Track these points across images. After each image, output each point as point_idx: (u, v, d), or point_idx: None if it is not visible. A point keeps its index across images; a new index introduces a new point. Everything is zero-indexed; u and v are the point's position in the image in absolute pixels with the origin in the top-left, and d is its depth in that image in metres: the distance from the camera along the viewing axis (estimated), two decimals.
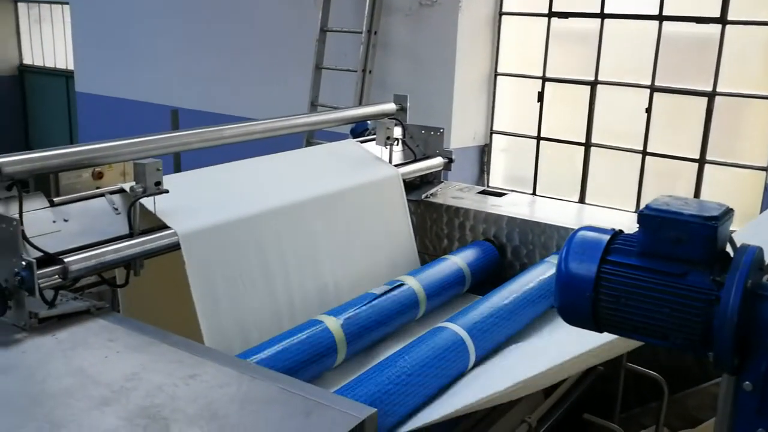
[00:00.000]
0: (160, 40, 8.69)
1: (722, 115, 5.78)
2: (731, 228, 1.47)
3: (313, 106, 6.90)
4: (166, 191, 2.60)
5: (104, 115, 9.35)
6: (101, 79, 9.46)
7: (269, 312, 2.92)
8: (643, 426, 3.29)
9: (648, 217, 1.39)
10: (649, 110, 6.02)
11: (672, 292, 1.36)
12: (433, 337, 2.72)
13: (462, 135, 6.59)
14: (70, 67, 10.41)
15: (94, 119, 9.61)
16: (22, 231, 2.21)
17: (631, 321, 1.40)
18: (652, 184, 6.14)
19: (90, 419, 1.78)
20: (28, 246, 2.27)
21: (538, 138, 6.69)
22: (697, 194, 5.93)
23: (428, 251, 3.96)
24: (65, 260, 2.32)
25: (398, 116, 4.08)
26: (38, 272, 2.17)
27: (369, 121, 4.26)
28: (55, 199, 2.57)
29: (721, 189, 5.85)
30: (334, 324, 2.77)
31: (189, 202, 2.82)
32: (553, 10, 6.41)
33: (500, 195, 4.11)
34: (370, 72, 6.67)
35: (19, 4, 11.43)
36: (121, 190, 2.73)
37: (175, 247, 2.65)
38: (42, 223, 2.43)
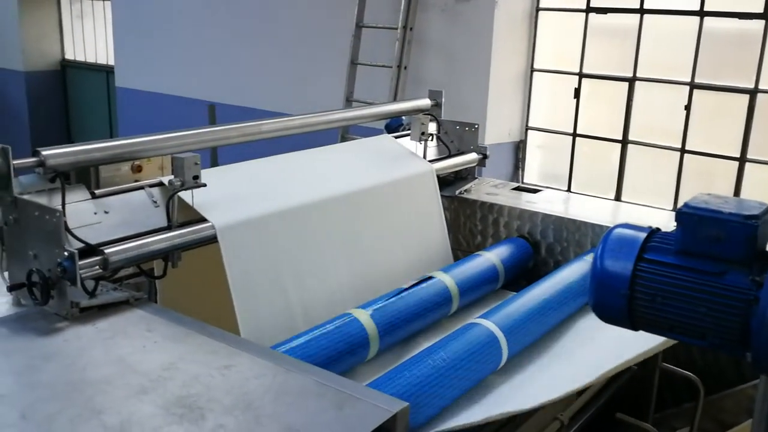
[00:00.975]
0: (198, 36, 8.79)
1: (764, 112, 5.67)
2: None
3: (348, 102, 6.92)
4: (204, 185, 2.64)
5: (143, 109, 9.50)
6: (140, 74, 9.61)
7: (304, 304, 2.95)
8: (678, 427, 3.25)
9: (686, 215, 1.38)
10: (688, 107, 5.93)
11: (710, 291, 1.34)
12: (466, 333, 2.72)
13: (497, 131, 6.56)
14: (111, 62, 10.58)
15: (133, 114, 9.76)
16: (65, 222, 2.26)
17: (667, 320, 1.39)
18: (690, 182, 6.05)
19: (128, 407, 1.82)
20: (70, 237, 2.32)
21: (574, 134, 6.63)
22: (737, 193, 5.83)
23: (462, 247, 3.96)
24: (106, 251, 2.37)
25: (433, 112, 4.08)
26: (80, 263, 2.22)
27: (404, 117, 4.26)
28: (97, 192, 2.63)
29: (762, 188, 5.74)
30: (366, 318, 2.79)
31: (226, 196, 2.85)
32: (591, 5, 6.34)
33: (535, 191, 4.08)
34: (405, 68, 6.67)
35: (62, 1, 11.66)
36: (160, 184, 2.78)
37: (213, 239, 2.69)
38: (84, 215, 2.49)
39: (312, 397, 1.91)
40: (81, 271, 2.24)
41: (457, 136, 4.14)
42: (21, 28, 11.32)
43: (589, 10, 6.36)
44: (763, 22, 5.51)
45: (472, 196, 3.96)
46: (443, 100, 4.14)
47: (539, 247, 3.74)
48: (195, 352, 2.10)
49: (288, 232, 2.96)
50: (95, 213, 2.53)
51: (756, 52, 5.58)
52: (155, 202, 2.72)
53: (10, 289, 2.35)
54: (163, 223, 2.66)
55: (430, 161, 3.84)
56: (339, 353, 2.62)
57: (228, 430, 1.74)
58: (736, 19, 5.66)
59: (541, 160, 7.01)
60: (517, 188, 4.14)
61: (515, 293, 3.16)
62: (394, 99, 6.51)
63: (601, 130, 6.51)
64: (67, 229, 2.31)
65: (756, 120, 5.67)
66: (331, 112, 3.70)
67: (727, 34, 5.78)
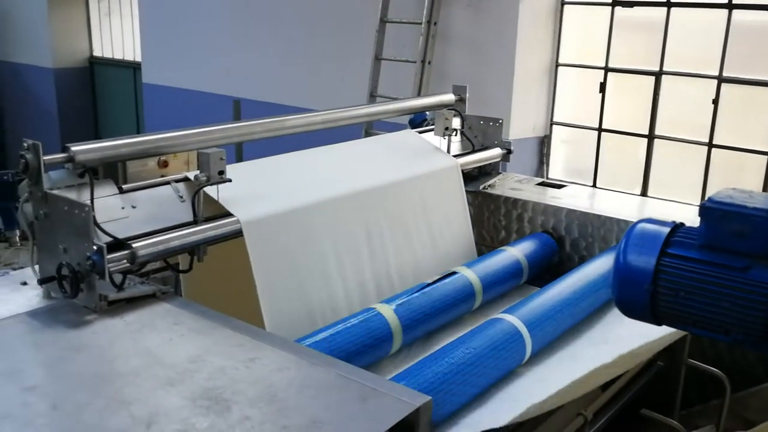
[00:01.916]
0: (224, 32, 8.85)
1: None
2: None
3: (373, 97, 6.93)
4: (229, 180, 2.67)
5: (169, 105, 9.58)
6: (167, 70, 9.69)
7: (328, 299, 2.97)
8: (703, 424, 3.23)
9: (710, 209, 1.37)
10: (716, 101, 5.85)
11: (733, 286, 1.33)
12: (490, 328, 2.72)
13: (522, 126, 6.53)
14: (138, 59, 10.69)
15: (160, 109, 9.85)
16: (94, 217, 2.30)
17: (690, 315, 1.38)
18: (718, 177, 5.97)
19: (156, 399, 1.85)
20: (98, 231, 2.36)
21: (600, 129, 6.57)
22: (765, 188, 5.74)
23: (485, 243, 3.96)
24: (133, 245, 2.41)
25: (457, 107, 4.08)
26: (108, 257, 2.26)
27: (427, 112, 4.26)
28: (124, 187, 2.67)
29: None
30: (390, 313, 2.80)
31: (251, 191, 2.88)
32: None
33: (559, 187, 4.07)
34: (429, 63, 6.66)
35: None
36: (186, 179, 2.81)
37: (238, 234, 2.72)
38: (112, 210, 2.53)
39: (335, 390, 1.93)
40: (109, 265, 2.28)
41: (481, 131, 4.13)
42: (50, 25, 11.47)
43: (615, 3, 6.30)
44: None
45: (496, 191, 3.95)
46: (467, 95, 4.13)
47: (564, 242, 3.72)
48: (220, 344, 2.13)
49: (313, 227, 2.98)
50: (123, 208, 2.58)
51: None
52: (181, 197, 2.76)
53: (41, 282, 2.40)
54: (189, 217, 2.69)
55: (454, 156, 3.84)
56: (362, 347, 2.64)
57: (253, 422, 1.76)
58: (765, 12, 5.57)
59: (566, 155, 6.96)
60: (541, 183, 4.13)
61: (539, 289, 3.15)
62: (418, 94, 6.51)
63: (626, 124, 6.45)
64: (96, 224, 2.34)
65: None
66: (355, 107, 3.71)
67: (756, 27, 5.69)
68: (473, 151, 4.05)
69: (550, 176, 6.79)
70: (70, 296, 2.32)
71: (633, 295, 1.43)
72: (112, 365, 2.02)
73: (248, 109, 7.55)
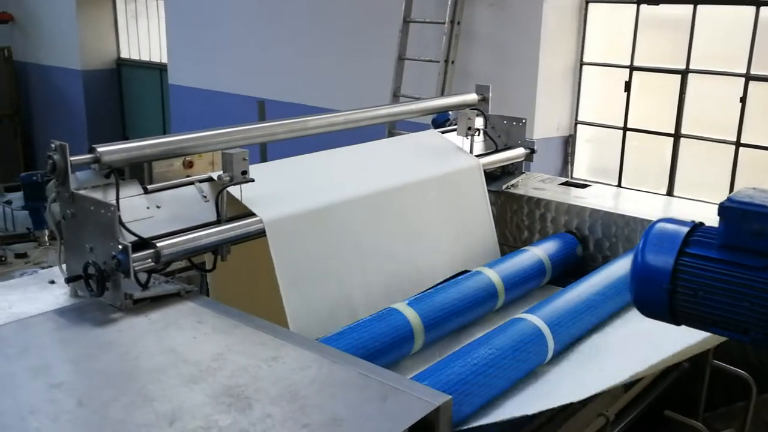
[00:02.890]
0: (249, 33, 8.92)
1: None
2: None
3: (396, 97, 6.93)
4: (252, 180, 2.70)
5: (195, 106, 9.67)
6: (193, 72, 9.79)
7: (350, 298, 2.99)
8: (728, 426, 3.19)
9: (729, 209, 1.36)
10: (743, 99, 5.77)
11: (753, 286, 1.32)
12: (512, 327, 2.72)
13: (546, 125, 6.50)
14: (164, 60, 10.80)
15: (186, 110, 9.95)
16: (119, 216, 2.34)
17: (709, 315, 1.38)
18: (745, 176, 5.89)
19: (179, 395, 1.88)
20: (124, 231, 2.40)
21: (625, 128, 6.52)
22: None
23: (508, 242, 3.95)
24: (158, 245, 2.44)
25: (480, 106, 4.07)
26: (133, 256, 2.30)
27: (450, 112, 4.26)
28: (149, 187, 2.70)
29: None
30: (411, 312, 2.81)
31: (274, 191, 2.90)
32: None
33: (583, 186, 4.04)
34: (452, 62, 6.65)
35: (117, 1, 11.94)
36: (210, 179, 2.84)
37: (261, 233, 2.74)
38: (136, 210, 2.57)
39: (356, 388, 1.94)
40: (134, 264, 2.31)
41: (504, 131, 4.12)
42: (78, 28, 11.63)
43: (640, 1, 6.24)
44: None
45: (519, 191, 3.94)
46: (490, 94, 4.12)
47: (587, 242, 3.70)
48: (243, 343, 2.15)
49: (335, 227, 3.00)
50: (148, 207, 2.61)
51: None
52: (205, 196, 2.79)
53: (68, 280, 2.45)
54: (213, 217, 2.72)
55: (476, 156, 3.83)
56: (384, 346, 2.65)
57: (274, 419, 1.78)
58: None
59: (590, 154, 6.91)
60: (565, 183, 4.11)
61: (562, 288, 3.14)
62: (442, 94, 6.50)
63: (652, 123, 6.38)
64: (121, 223, 2.38)
65: None
66: (377, 107, 3.72)
67: None
68: (496, 151, 4.04)
69: (574, 176, 6.75)
70: (96, 294, 2.36)
71: (651, 294, 1.42)
72: (136, 362, 2.05)
73: (273, 110, 7.59)
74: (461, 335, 3.06)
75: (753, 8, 5.64)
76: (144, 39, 11.71)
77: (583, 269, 3.56)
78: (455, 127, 3.94)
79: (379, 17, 7.40)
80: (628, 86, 6.41)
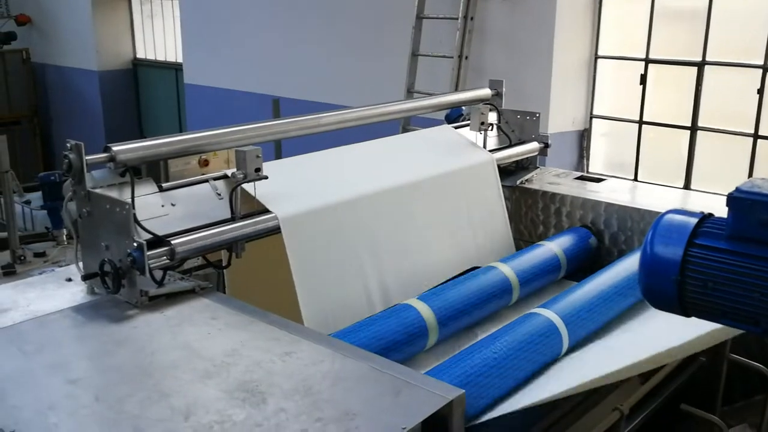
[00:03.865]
0: (263, 32, 8.95)
1: None
2: None
3: (410, 93, 6.93)
4: (266, 177, 2.71)
5: (210, 105, 9.73)
6: (207, 71, 9.84)
7: (364, 293, 3.00)
8: (746, 421, 3.17)
9: (738, 199, 1.35)
10: (761, 91, 5.71)
11: (762, 276, 1.31)
12: (526, 322, 2.71)
13: (561, 120, 6.47)
14: (179, 60, 10.87)
15: (201, 109, 10.01)
16: (134, 214, 2.36)
17: (719, 306, 1.37)
18: (763, 168, 5.83)
19: (194, 391, 1.90)
20: (139, 228, 2.43)
21: (641, 122, 6.47)
22: None
23: (523, 237, 3.94)
24: (173, 242, 2.47)
25: (494, 101, 4.06)
26: (148, 253, 2.32)
27: (464, 107, 4.25)
28: (164, 185, 2.73)
29: None
30: (425, 308, 2.81)
31: (288, 188, 2.92)
32: None
33: (599, 181, 4.02)
34: (466, 58, 6.63)
35: (133, 1, 12.03)
36: (224, 176, 2.86)
37: (276, 230, 2.75)
38: (152, 208, 2.59)
39: (369, 383, 1.95)
40: (149, 261, 2.34)
41: (518, 126, 4.11)
42: (95, 29, 11.74)
43: None
44: None
45: (533, 185, 3.93)
46: (504, 89, 4.10)
47: (603, 236, 3.68)
48: (257, 339, 2.17)
49: (350, 223, 3.01)
50: (162, 205, 2.64)
51: None
52: (219, 194, 2.81)
53: (85, 278, 2.48)
54: (227, 214, 2.74)
55: (490, 151, 3.82)
56: (398, 342, 2.66)
57: (288, 414, 1.80)
58: None
59: (606, 148, 6.87)
60: (580, 177, 4.09)
61: (577, 283, 3.13)
62: (456, 89, 6.49)
63: (668, 116, 6.33)
64: (137, 221, 2.41)
65: None
66: (390, 103, 3.73)
67: None
68: (510, 146, 4.02)
69: (590, 170, 6.71)
70: (112, 292, 2.39)
71: (660, 286, 1.42)
72: (152, 358, 2.07)
73: (287, 108, 7.61)
74: (475, 331, 3.06)
75: None
76: (159, 39, 11.79)
77: (598, 264, 3.54)
78: (469, 122, 3.93)
79: (392, 14, 7.40)
80: (643, 79, 6.36)
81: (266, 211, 2.78)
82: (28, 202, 7.08)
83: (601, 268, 3.26)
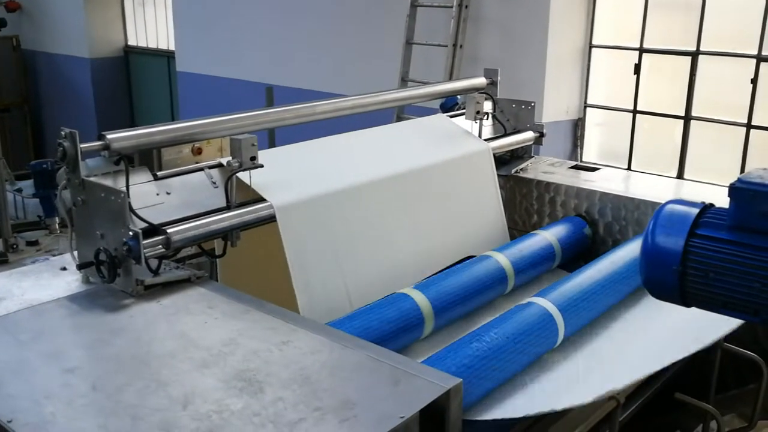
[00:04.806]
0: (256, 19, 8.89)
1: None
2: None
3: (404, 82, 6.91)
4: (261, 165, 2.70)
5: (203, 92, 9.68)
6: (200, 58, 9.78)
7: (360, 283, 2.99)
8: (739, 409, 3.19)
9: (739, 190, 1.35)
10: (754, 81, 5.72)
11: (763, 266, 1.32)
12: (522, 312, 2.72)
13: (555, 109, 6.46)
14: (171, 47, 10.80)
15: (194, 97, 9.95)
16: (129, 203, 2.35)
17: (720, 296, 1.37)
18: (756, 158, 5.85)
19: (192, 380, 1.90)
20: (134, 217, 2.41)
21: (635, 111, 6.48)
22: None
23: (518, 227, 3.94)
24: (168, 231, 2.45)
25: (489, 90, 4.05)
26: (144, 242, 2.31)
27: (459, 96, 4.24)
28: (158, 173, 2.71)
29: None
30: (421, 297, 2.81)
31: (283, 176, 2.91)
32: None
33: (593, 170, 4.03)
34: (461, 46, 6.61)
35: None
36: (219, 165, 2.85)
37: (271, 219, 2.75)
38: (147, 196, 2.58)
39: (367, 372, 1.95)
40: (145, 250, 2.33)
41: (513, 115, 4.11)
42: (86, 16, 11.63)
43: None
44: None
45: (528, 174, 3.93)
46: (499, 78, 4.10)
47: (597, 226, 3.69)
48: (254, 328, 2.17)
49: (345, 211, 3.00)
50: (157, 194, 2.62)
51: None
52: (214, 183, 2.79)
53: (80, 267, 2.46)
54: (223, 203, 2.73)
55: (485, 140, 3.82)
56: (394, 331, 2.66)
57: (286, 403, 1.80)
58: None
59: (600, 137, 6.88)
60: (574, 167, 4.09)
61: (573, 272, 3.13)
62: (450, 78, 6.47)
63: (662, 106, 6.34)
64: (132, 210, 2.39)
65: None
66: (385, 92, 3.71)
67: None
68: (505, 135, 4.02)
69: (584, 159, 6.72)
70: (107, 281, 2.38)
71: (661, 276, 1.42)
72: (148, 348, 2.07)
73: (281, 96, 7.58)
74: (472, 320, 3.06)
75: None
76: (151, 26, 11.70)
77: (593, 253, 3.55)
78: (464, 111, 3.92)
79: (386, 2, 7.36)
80: (637, 69, 6.36)
81: (261, 199, 2.76)
82: (19, 190, 7.04)
83: (596, 257, 3.27)
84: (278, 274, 2.80)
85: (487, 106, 3.93)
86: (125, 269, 2.36)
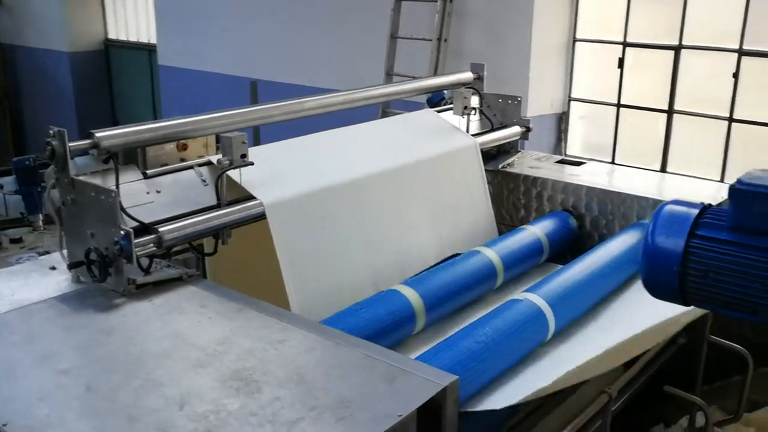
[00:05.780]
0: (240, 13, 8.83)
1: None
2: None
3: (389, 76, 6.91)
4: (251, 163, 2.69)
5: (185, 87, 9.60)
6: (182, 52, 9.70)
7: (351, 279, 2.99)
8: (726, 400, 3.24)
9: (740, 191, 1.37)
10: (736, 75, 5.79)
11: (763, 267, 1.34)
12: (512, 307, 2.73)
13: (539, 103, 6.50)
14: (153, 41, 10.70)
15: (176, 91, 9.87)
16: (120, 202, 2.33)
17: (720, 296, 1.39)
18: (738, 151, 5.92)
19: (187, 380, 1.89)
20: (125, 216, 2.39)
21: (618, 105, 6.53)
22: None
23: (505, 222, 3.96)
24: (159, 230, 2.44)
25: (475, 85, 4.06)
26: (135, 241, 2.29)
27: (445, 91, 4.24)
28: (148, 172, 2.69)
29: None
30: (412, 293, 2.82)
31: (272, 174, 2.90)
32: None
33: (579, 164, 4.05)
34: (445, 41, 6.62)
35: None
36: (209, 163, 2.83)
37: (261, 216, 2.74)
38: (137, 195, 2.56)
39: (362, 370, 1.96)
40: (136, 249, 2.31)
41: (499, 110, 4.12)
42: (65, 9, 11.49)
43: None
44: None
45: (515, 169, 3.94)
46: (485, 73, 4.11)
47: (584, 220, 3.72)
48: (248, 327, 2.16)
49: (334, 208, 3.00)
50: (148, 192, 2.61)
51: None
52: (204, 181, 2.78)
53: (71, 266, 2.44)
54: (213, 201, 2.72)
55: (473, 135, 3.83)
56: (386, 327, 2.66)
57: (283, 402, 1.80)
58: None
59: (584, 131, 6.93)
60: (560, 161, 4.11)
61: (560, 266, 3.16)
62: (435, 72, 6.48)
63: (645, 100, 6.40)
64: (122, 209, 2.37)
65: None
66: (373, 87, 3.71)
67: None
68: (492, 130, 4.03)
69: (568, 153, 6.76)
70: (98, 280, 2.36)
71: (662, 276, 1.44)
72: (142, 348, 2.05)
73: (265, 90, 7.56)
74: (462, 315, 3.07)
75: None
76: (132, 19, 11.58)
77: (580, 247, 3.57)
78: (451, 106, 3.93)
79: None
80: (621, 62, 6.41)
81: (252, 197, 2.76)
82: (0, 187, 6.95)
83: (583, 251, 3.29)
84: (266, 272, 2.80)
85: (474, 101, 3.93)
86: (116, 268, 2.34)
